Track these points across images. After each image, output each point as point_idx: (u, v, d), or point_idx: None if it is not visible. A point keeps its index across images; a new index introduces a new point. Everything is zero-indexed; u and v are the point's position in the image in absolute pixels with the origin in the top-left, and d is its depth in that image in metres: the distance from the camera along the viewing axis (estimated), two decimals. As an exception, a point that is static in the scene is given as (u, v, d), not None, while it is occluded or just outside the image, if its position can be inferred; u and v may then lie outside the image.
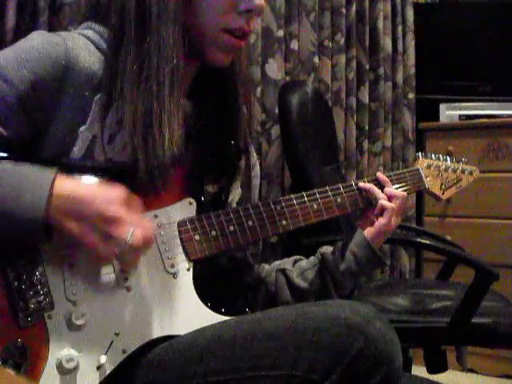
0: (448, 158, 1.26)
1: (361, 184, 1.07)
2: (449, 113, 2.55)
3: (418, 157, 1.22)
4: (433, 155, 1.24)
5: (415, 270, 2.60)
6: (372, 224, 1.04)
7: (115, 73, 0.84)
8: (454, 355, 1.79)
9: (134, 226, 0.77)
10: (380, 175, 1.10)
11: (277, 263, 1.11)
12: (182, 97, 0.88)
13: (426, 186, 1.19)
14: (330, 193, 1.03)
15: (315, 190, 1.02)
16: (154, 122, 0.83)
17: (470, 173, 1.29)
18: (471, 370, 2.36)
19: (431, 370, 1.54)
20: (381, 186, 1.08)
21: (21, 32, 1.47)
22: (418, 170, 1.19)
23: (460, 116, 2.53)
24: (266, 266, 1.11)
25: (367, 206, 1.06)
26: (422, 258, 2.56)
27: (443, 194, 1.23)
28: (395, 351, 0.72)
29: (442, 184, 1.22)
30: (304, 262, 1.09)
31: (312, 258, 1.09)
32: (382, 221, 1.04)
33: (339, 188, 1.05)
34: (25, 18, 1.51)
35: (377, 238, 1.04)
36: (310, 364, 0.71)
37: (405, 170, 1.16)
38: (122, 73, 0.83)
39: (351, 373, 0.70)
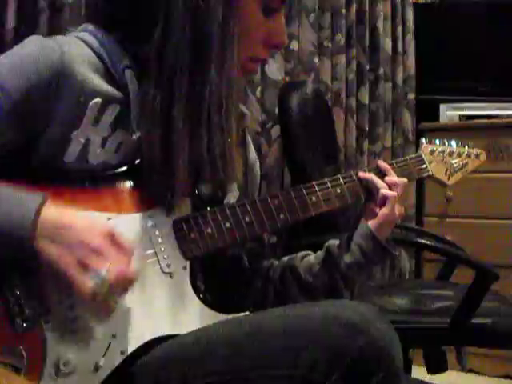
0: (453, 143, 1.21)
1: (361, 174, 1.04)
2: (449, 113, 2.55)
3: (422, 143, 1.18)
4: (437, 140, 1.19)
5: (415, 271, 2.60)
6: (375, 215, 1.02)
7: (166, 97, 0.84)
8: (454, 355, 1.79)
9: (114, 261, 0.75)
10: (381, 163, 1.07)
11: (285, 259, 1.11)
12: None
13: (430, 173, 1.15)
14: (328, 184, 1.01)
15: (313, 183, 1.00)
16: (218, 157, 0.87)
17: (477, 156, 1.23)
18: (471, 371, 2.35)
19: (431, 371, 1.54)
20: (382, 175, 1.06)
21: (21, 32, 1.48)
22: (420, 156, 1.15)
23: (460, 116, 2.53)
24: (275, 263, 1.11)
25: (369, 197, 1.04)
26: (421, 258, 2.56)
27: (448, 179, 1.18)
28: (396, 351, 0.72)
29: (446, 169, 1.18)
30: (312, 257, 1.08)
31: (319, 252, 1.08)
32: (384, 211, 1.02)
33: (338, 179, 1.03)
34: (25, 18, 1.51)
35: (381, 228, 1.02)
36: (310, 364, 0.71)
37: (407, 157, 1.13)
38: (173, 99, 0.84)
39: (352, 372, 0.70)
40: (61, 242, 0.74)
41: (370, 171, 1.06)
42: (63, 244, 0.74)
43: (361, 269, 1.03)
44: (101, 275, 0.73)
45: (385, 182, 1.04)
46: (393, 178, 1.05)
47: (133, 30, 0.88)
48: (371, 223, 1.03)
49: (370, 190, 1.04)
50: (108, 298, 0.76)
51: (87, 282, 0.73)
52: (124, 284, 0.76)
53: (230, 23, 0.86)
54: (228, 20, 0.86)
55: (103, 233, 0.76)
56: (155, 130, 0.84)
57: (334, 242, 1.07)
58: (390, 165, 1.08)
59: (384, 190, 1.02)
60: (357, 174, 1.05)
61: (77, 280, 0.73)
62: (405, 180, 1.05)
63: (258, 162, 1.12)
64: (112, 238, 0.76)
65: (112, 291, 0.75)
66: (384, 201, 1.02)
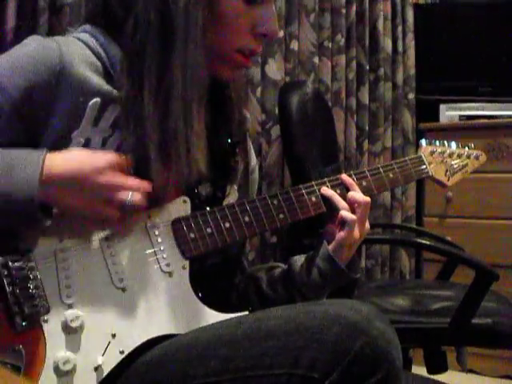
0: (453, 144, 1.21)
1: (323, 190, 0.99)
2: (449, 113, 2.55)
3: (421, 144, 1.18)
4: (437, 141, 1.19)
5: (415, 271, 2.60)
6: (334, 237, 0.97)
7: (135, 88, 0.84)
8: (454, 356, 1.78)
9: (130, 185, 0.80)
10: (344, 178, 1.01)
11: (253, 269, 1.10)
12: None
13: (430, 174, 1.14)
14: (328, 184, 1.00)
15: (313, 182, 0.99)
16: (182, 144, 0.85)
17: (477, 157, 1.23)
18: (471, 371, 2.35)
19: (431, 371, 1.54)
20: (346, 190, 1.00)
21: (21, 32, 1.48)
22: (420, 157, 1.14)
23: (460, 116, 2.53)
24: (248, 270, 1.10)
25: (332, 214, 0.98)
26: (422, 258, 2.56)
27: (448, 180, 1.18)
28: (395, 350, 0.72)
29: (446, 170, 1.18)
30: (276, 272, 1.06)
31: (285, 268, 1.05)
32: (342, 234, 0.96)
33: (338, 179, 1.01)
34: (25, 18, 1.51)
35: (341, 250, 0.97)
36: (310, 363, 0.71)
37: (407, 158, 1.12)
38: (143, 89, 0.83)
39: (352, 372, 0.70)
40: (78, 192, 0.78)
41: (333, 187, 1.00)
42: (82, 193, 0.78)
43: (319, 289, 0.99)
44: (127, 202, 0.80)
45: (348, 197, 0.98)
46: (355, 195, 0.98)
47: (121, 26, 0.87)
48: (331, 245, 0.97)
49: (332, 208, 0.98)
50: (136, 216, 0.84)
51: (117, 212, 0.81)
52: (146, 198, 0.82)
53: (194, 11, 0.84)
54: (191, 7, 0.84)
55: (108, 167, 0.79)
56: (129, 126, 0.84)
57: (298, 259, 1.03)
58: (389, 165, 1.08)
59: (344, 213, 0.96)
60: (319, 190, 0.99)
61: (107, 214, 0.80)
62: (368, 199, 0.98)
63: (257, 168, 1.11)
64: (116, 167, 0.80)
65: (139, 209, 0.82)
66: (343, 223, 0.96)
